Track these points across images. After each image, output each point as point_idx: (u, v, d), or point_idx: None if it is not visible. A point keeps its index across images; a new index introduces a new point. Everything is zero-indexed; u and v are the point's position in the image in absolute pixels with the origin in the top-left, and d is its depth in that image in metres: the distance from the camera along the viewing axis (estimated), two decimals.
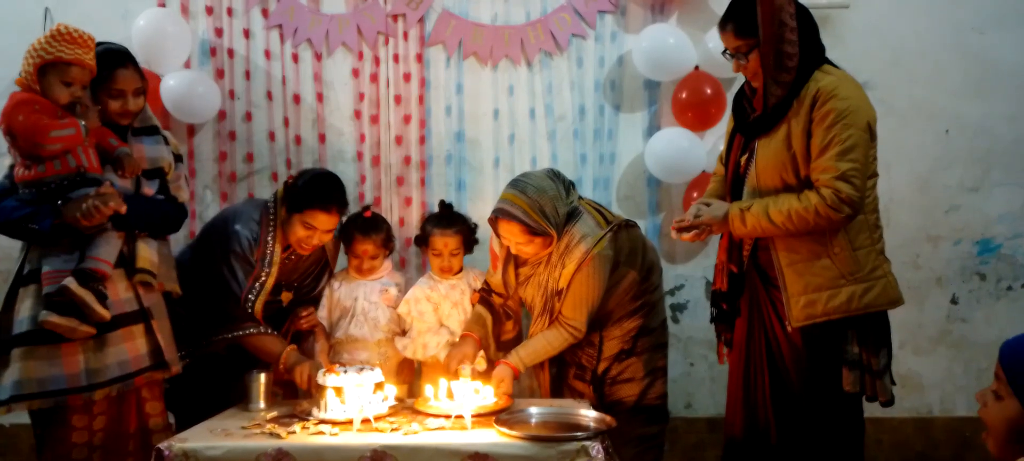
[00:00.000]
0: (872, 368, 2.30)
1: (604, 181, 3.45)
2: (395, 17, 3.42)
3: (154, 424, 2.46)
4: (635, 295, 2.74)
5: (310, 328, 2.87)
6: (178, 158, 2.62)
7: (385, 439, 2.14)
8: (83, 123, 2.30)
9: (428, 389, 2.50)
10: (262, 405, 2.52)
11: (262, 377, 2.54)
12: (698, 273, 3.49)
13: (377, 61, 3.44)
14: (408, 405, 2.50)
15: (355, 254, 2.90)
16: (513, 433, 2.15)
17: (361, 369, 2.44)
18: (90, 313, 2.22)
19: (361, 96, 3.44)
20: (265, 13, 3.42)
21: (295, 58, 3.44)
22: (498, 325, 2.90)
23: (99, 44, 2.37)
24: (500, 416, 2.29)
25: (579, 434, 2.14)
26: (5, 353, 2.28)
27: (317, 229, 2.65)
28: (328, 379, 2.39)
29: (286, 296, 2.82)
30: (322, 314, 2.91)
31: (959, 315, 3.49)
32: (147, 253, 2.42)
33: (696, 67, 3.32)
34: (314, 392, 2.49)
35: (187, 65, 3.38)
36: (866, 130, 2.24)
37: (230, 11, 3.42)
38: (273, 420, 2.34)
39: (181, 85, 3.26)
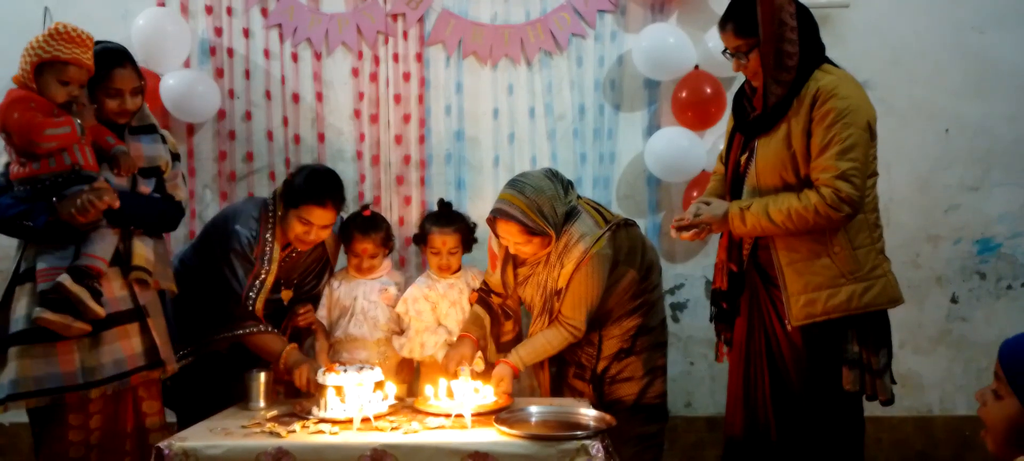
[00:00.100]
0: (872, 367, 2.30)
1: (604, 180, 3.45)
2: (395, 16, 3.42)
3: (151, 423, 2.46)
4: (634, 294, 2.74)
5: (307, 325, 2.87)
6: (176, 157, 2.62)
7: (385, 438, 2.14)
8: (78, 121, 2.29)
9: (428, 388, 2.50)
10: (262, 404, 2.52)
11: (262, 376, 2.54)
12: (698, 272, 3.49)
13: (377, 60, 3.44)
14: (408, 404, 2.50)
15: (354, 253, 2.90)
16: (513, 432, 2.15)
17: (361, 368, 2.44)
18: (85, 310, 2.22)
19: (361, 95, 3.44)
20: (265, 12, 3.42)
21: (294, 57, 3.44)
22: (496, 325, 2.90)
23: (97, 43, 2.36)
24: (500, 415, 2.29)
25: (579, 433, 2.14)
26: (2, 352, 2.28)
27: (314, 224, 2.65)
28: (328, 378, 2.39)
29: (286, 294, 2.83)
30: (322, 313, 2.91)
31: (959, 314, 3.49)
32: (143, 251, 2.42)
33: (696, 66, 3.32)
34: (314, 391, 2.49)
35: (187, 64, 3.38)
36: (866, 129, 2.24)
37: (230, 10, 3.42)
38: (273, 419, 2.34)
39: (181, 84, 3.26)
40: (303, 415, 2.34)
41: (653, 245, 2.96)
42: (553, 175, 2.73)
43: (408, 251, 3.37)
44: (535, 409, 2.39)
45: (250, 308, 2.70)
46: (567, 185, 2.75)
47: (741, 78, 2.50)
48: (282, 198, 2.73)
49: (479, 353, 2.79)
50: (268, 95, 3.44)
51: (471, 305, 2.89)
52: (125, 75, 2.41)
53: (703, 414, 3.51)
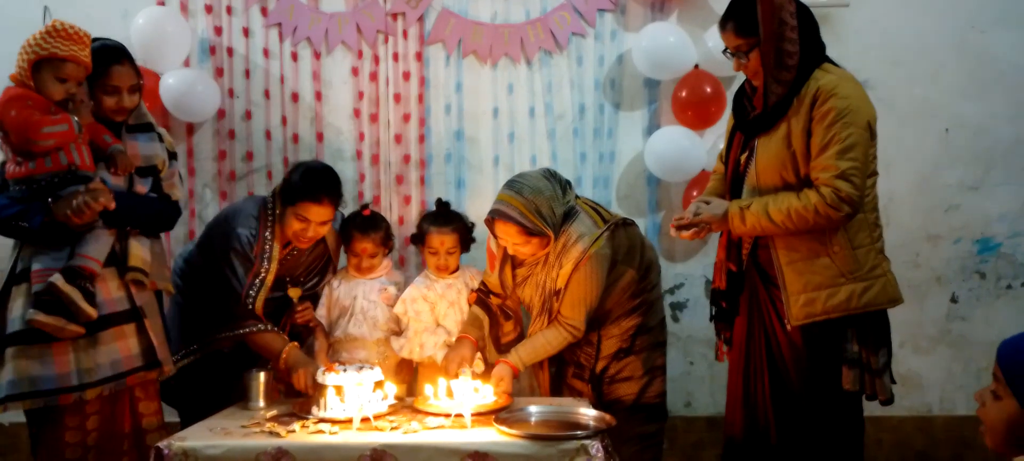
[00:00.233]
0: (872, 367, 2.30)
1: (604, 180, 3.45)
2: (394, 16, 3.42)
3: (148, 423, 2.46)
4: (633, 293, 2.74)
5: (305, 323, 2.87)
6: (172, 155, 2.61)
7: (385, 438, 2.14)
8: (76, 119, 2.28)
9: (428, 388, 2.50)
10: (262, 404, 2.52)
11: (261, 376, 2.54)
12: (698, 271, 3.49)
13: (376, 60, 3.43)
14: (408, 404, 2.49)
15: (354, 253, 2.89)
16: (513, 432, 2.15)
17: (360, 368, 2.44)
18: (76, 311, 2.21)
19: (360, 95, 3.44)
20: (264, 12, 3.42)
21: (294, 57, 3.44)
22: (495, 326, 2.90)
23: (95, 40, 2.35)
24: (500, 415, 2.29)
25: (579, 433, 2.14)
26: None
27: (311, 221, 2.65)
28: (328, 378, 2.38)
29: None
30: (321, 313, 2.90)
31: (959, 314, 3.49)
32: (139, 251, 2.41)
33: (696, 66, 3.32)
34: (314, 391, 2.49)
35: (186, 63, 3.38)
36: (866, 129, 2.24)
37: (229, 9, 3.42)
38: (273, 419, 2.34)
39: (180, 83, 3.25)
40: (303, 415, 2.34)
41: (652, 244, 2.96)
42: (551, 175, 2.73)
43: (408, 251, 3.37)
44: (535, 409, 2.39)
45: (250, 307, 2.70)
46: (565, 185, 2.75)
47: (741, 77, 2.50)
48: (280, 196, 2.73)
49: (478, 354, 2.79)
50: (267, 94, 3.44)
51: (470, 306, 2.89)
52: (123, 73, 2.40)
53: (703, 414, 3.51)
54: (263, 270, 2.72)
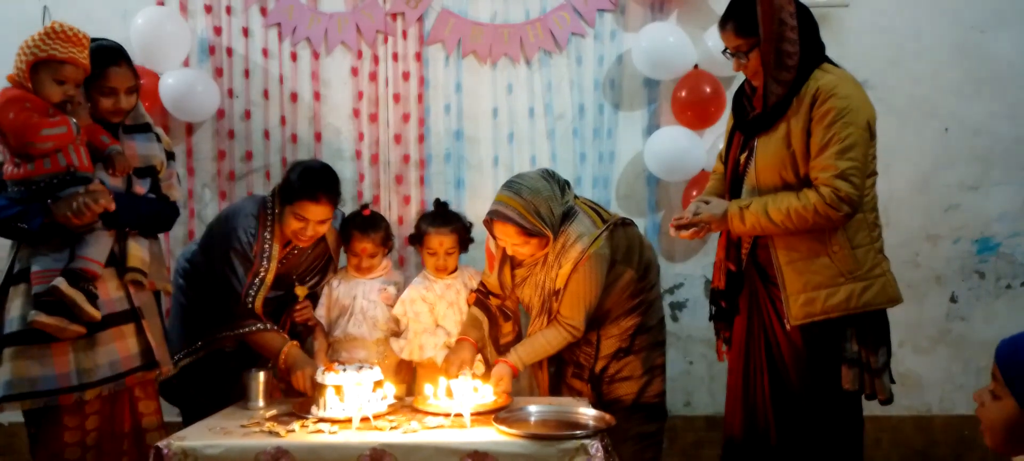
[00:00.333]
0: (871, 366, 2.30)
1: (603, 180, 3.45)
2: (394, 16, 3.42)
3: (148, 423, 2.46)
4: (632, 293, 2.74)
5: (305, 321, 2.87)
6: (170, 156, 2.61)
7: (384, 437, 2.13)
8: (74, 121, 2.27)
9: (427, 387, 2.50)
10: (261, 403, 2.52)
11: (261, 376, 2.54)
12: (697, 271, 3.49)
13: (376, 60, 3.43)
14: (407, 404, 2.49)
15: (354, 252, 2.89)
16: (512, 431, 2.15)
17: (360, 368, 2.44)
18: (80, 313, 2.21)
19: (360, 94, 3.44)
20: (264, 11, 3.42)
21: (293, 57, 3.44)
22: (495, 327, 2.89)
23: (93, 41, 2.34)
24: (499, 414, 2.29)
25: (578, 432, 2.14)
26: None
27: (309, 220, 2.65)
28: (327, 377, 2.38)
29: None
30: (321, 312, 2.90)
31: (958, 314, 3.49)
32: (138, 252, 2.41)
33: (695, 66, 3.32)
34: (313, 391, 2.49)
35: (186, 64, 3.38)
36: (865, 129, 2.24)
37: (229, 9, 3.42)
38: (272, 418, 2.33)
39: (180, 83, 3.25)
40: (302, 414, 2.34)
41: (651, 244, 2.96)
42: (550, 175, 2.73)
43: (407, 251, 3.37)
44: (534, 408, 2.39)
45: (249, 306, 2.70)
46: (564, 185, 2.75)
47: (741, 77, 2.50)
48: (279, 195, 2.74)
49: (479, 356, 2.78)
50: (266, 94, 3.44)
51: (469, 307, 2.89)
52: (120, 74, 2.38)
53: (702, 413, 3.51)
54: (262, 269, 2.72)
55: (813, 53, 2.31)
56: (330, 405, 2.34)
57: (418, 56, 3.44)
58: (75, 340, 2.27)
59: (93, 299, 2.25)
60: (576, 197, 2.79)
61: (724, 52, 2.41)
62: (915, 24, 3.42)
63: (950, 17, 3.42)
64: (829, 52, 2.38)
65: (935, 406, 3.51)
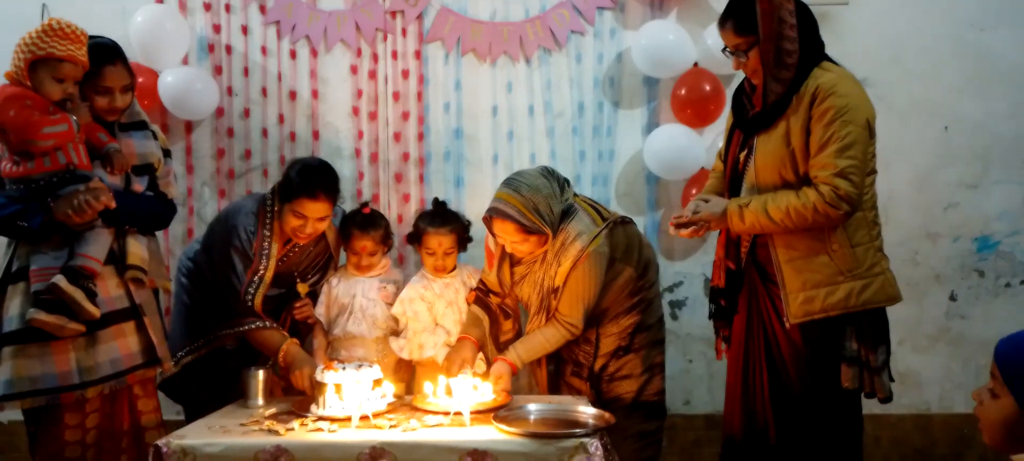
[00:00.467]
0: (871, 365, 2.30)
1: (603, 178, 3.44)
2: (393, 13, 3.42)
3: (147, 421, 2.46)
4: (631, 292, 2.74)
5: (304, 319, 2.87)
6: (167, 153, 2.60)
7: (383, 436, 2.13)
8: (75, 118, 2.27)
9: (427, 385, 2.50)
10: (260, 402, 2.52)
11: (260, 374, 2.54)
12: (697, 270, 3.49)
13: (375, 58, 3.43)
14: (407, 402, 2.49)
15: (353, 251, 2.89)
16: (512, 430, 2.14)
17: (359, 366, 2.44)
18: (79, 311, 2.21)
19: (359, 93, 3.44)
20: (263, 9, 3.42)
21: (293, 55, 3.44)
22: (495, 325, 2.89)
23: (88, 39, 2.33)
24: (499, 413, 2.29)
25: (578, 431, 2.14)
26: None
27: (308, 217, 2.64)
28: (327, 376, 2.38)
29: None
30: (320, 311, 2.90)
31: (958, 312, 3.50)
32: (137, 250, 2.41)
33: (695, 64, 3.32)
34: (312, 389, 2.49)
35: (185, 61, 3.37)
36: (865, 127, 2.24)
37: (228, 7, 3.42)
38: (271, 417, 2.33)
39: (179, 81, 3.25)
40: (301, 413, 2.34)
41: (650, 243, 2.96)
42: (549, 173, 2.73)
43: (407, 249, 3.36)
44: (534, 407, 2.39)
45: (249, 304, 2.70)
46: (563, 183, 2.74)
47: (740, 75, 2.50)
48: (279, 193, 2.74)
49: (480, 355, 2.78)
50: (265, 92, 3.43)
51: (469, 305, 2.89)
52: (116, 73, 2.37)
53: (701, 412, 3.51)
54: (262, 267, 2.72)
55: (812, 51, 2.31)
56: (329, 403, 2.34)
57: (417, 54, 3.43)
58: (75, 338, 2.26)
59: (92, 297, 2.25)
60: (575, 195, 2.79)
61: (724, 50, 2.40)
62: (915, 22, 3.42)
63: (950, 15, 3.42)
64: (829, 50, 2.37)
65: (934, 404, 3.51)
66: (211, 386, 2.74)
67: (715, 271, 2.57)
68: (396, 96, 3.43)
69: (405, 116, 3.44)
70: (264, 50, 3.43)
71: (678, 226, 2.44)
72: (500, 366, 2.62)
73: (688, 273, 3.50)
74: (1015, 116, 3.44)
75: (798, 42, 2.27)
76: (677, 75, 3.33)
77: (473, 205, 3.33)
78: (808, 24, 2.32)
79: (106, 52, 2.37)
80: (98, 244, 2.30)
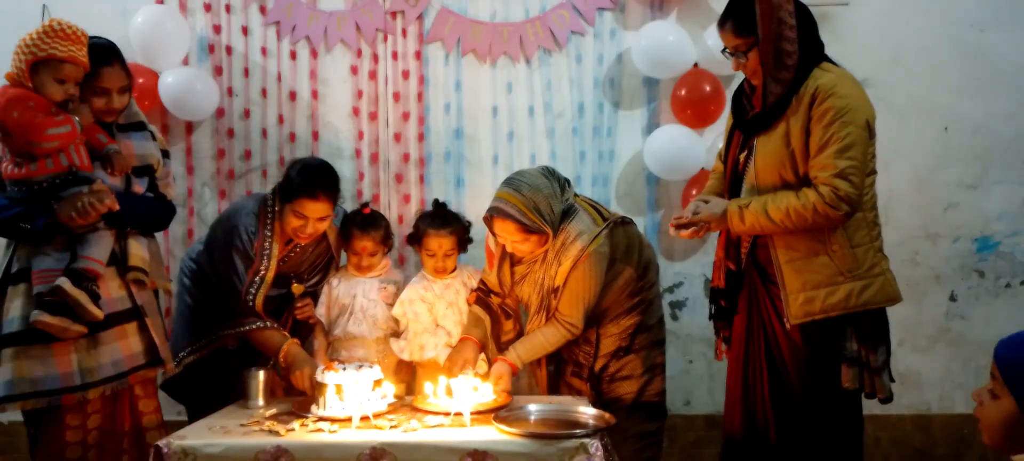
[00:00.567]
0: (871, 365, 2.30)
1: (603, 178, 3.45)
2: (393, 14, 3.42)
3: (148, 421, 2.46)
4: (632, 292, 2.74)
5: (306, 319, 2.87)
6: (165, 154, 2.60)
7: (384, 436, 2.13)
8: (77, 119, 2.27)
9: (427, 385, 2.50)
10: (261, 402, 2.52)
11: (261, 375, 2.54)
12: (697, 270, 3.49)
13: (376, 58, 3.43)
14: (407, 403, 2.49)
15: (354, 251, 2.89)
16: (512, 430, 2.14)
17: (360, 366, 2.44)
18: (83, 313, 2.21)
19: (359, 93, 3.44)
20: (263, 10, 3.42)
21: (293, 55, 3.44)
22: (496, 325, 2.89)
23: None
24: (499, 413, 2.29)
25: (578, 431, 2.14)
26: None
27: (308, 217, 2.64)
28: (327, 376, 2.38)
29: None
30: (321, 311, 2.90)
31: (958, 312, 3.50)
32: (139, 251, 2.41)
33: (695, 64, 3.32)
34: (313, 389, 2.49)
35: (185, 62, 3.38)
36: (865, 128, 2.24)
37: (228, 8, 3.42)
38: (272, 417, 2.33)
39: (179, 82, 3.25)
40: (302, 413, 2.34)
41: (650, 243, 2.96)
42: (550, 173, 2.73)
43: (407, 249, 3.36)
44: (534, 407, 2.39)
45: (250, 304, 2.70)
46: (564, 183, 2.74)
47: (740, 76, 2.50)
48: (279, 193, 2.74)
49: (482, 355, 2.78)
50: (264, 93, 3.44)
51: (470, 306, 2.89)
52: (113, 74, 2.36)
53: (702, 412, 3.51)
54: (263, 267, 2.72)
55: (812, 52, 2.31)
56: (330, 404, 2.34)
57: (418, 54, 3.43)
58: (77, 340, 2.26)
59: (96, 299, 2.25)
60: (576, 195, 2.79)
61: (723, 51, 2.40)
62: (915, 23, 3.42)
63: (950, 16, 3.42)
64: (828, 51, 2.37)
65: (934, 405, 3.52)
66: (213, 386, 2.74)
67: (715, 272, 2.57)
68: (396, 97, 3.43)
69: (405, 117, 3.44)
70: (264, 51, 3.43)
71: (678, 227, 2.44)
72: (500, 366, 2.62)
73: (688, 274, 3.50)
74: (1015, 116, 3.44)
75: (797, 43, 2.27)
76: (677, 76, 3.33)
77: (473, 205, 3.33)
78: (807, 25, 2.32)
79: (103, 53, 2.36)
80: (100, 246, 2.30)
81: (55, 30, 2.22)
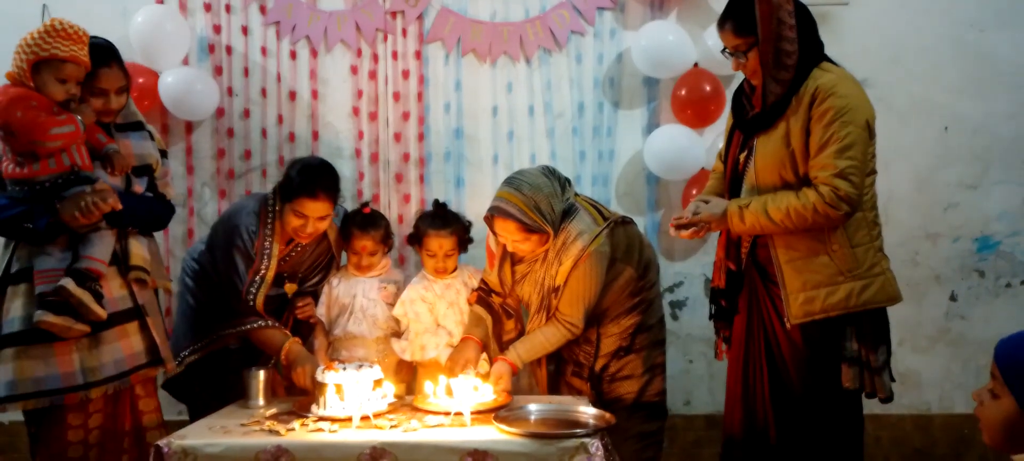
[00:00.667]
0: (871, 365, 2.31)
1: (603, 178, 3.45)
2: (393, 14, 3.42)
3: (148, 421, 2.46)
4: (632, 292, 2.74)
5: (306, 318, 2.87)
6: (163, 153, 2.60)
7: (384, 436, 2.13)
8: (80, 119, 2.27)
9: (427, 385, 2.50)
10: (261, 402, 2.52)
11: (261, 374, 2.54)
12: (697, 270, 3.49)
13: (376, 58, 3.43)
14: (407, 402, 2.49)
15: (354, 251, 2.89)
16: (512, 430, 2.14)
17: (360, 366, 2.44)
18: (86, 313, 2.21)
19: (359, 93, 3.44)
20: (263, 10, 3.42)
21: (293, 55, 3.44)
22: (498, 325, 2.89)
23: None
24: (499, 413, 2.28)
25: (578, 431, 2.14)
26: None
27: (308, 217, 2.65)
28: (327, 376, 2.38)
29: (290, 287, 2.83)
30: (321, 311, 2.90)
31: (958, 312, 3.50)
32: (139, 251, 2.41)
33: (695, 64, 3.32)
34: (313, 389, 2.49)
35: (185, 62, 3.37)
36: (864, 128, 2.24)
37: (228, 8, 3.42)
38: (272, 417, 2.33)
39: (179, 82, 3.25)
40: (302, 413, 2.34)
41: (651, 243, 2.96)
42: (550, 172, 2.73)
43: (407, 249, 3.36)
44: (534, 407, 2.39)
45: (251, 303, 2.70)
46: (564, 182, 2.74)
47: (740, 76, 2.50)
48: (279, 192, 2.74)
49: (483, 355, 2.78)
50: (264, 93, 3.44)
51: (471, 305, 2.88)
52: (111, 75, 2.36)
53: (702, 412, 3.51)
54: (263, 267, 2.72)
55: (812, 52, 2.31)
56: (330, 404, 2.34)
57: (418, 54, 3.43)
58: (79, 339, 2.26)
59: (99, 298, 2.25)
60: (577, 195, 2.79)
61: (723, 51, 2.40)
62: (915, 23, 3.42)
63: (950, 16, 3.42)
64: (828, 51, 2.37)
65: (934, 405, 3.52)
66: (215, 386, 2.74)
67: (715, 272, 2.57)
68: (396, 96, 3.43)
69: (405, 116, 3.44)
70: (264, 51, 3.43)
71: (678, 227, 2.44)
72: (500, 366, 2.62)
73: (688, 274, 3.50)
74: (1015, 116, 3.44)
75: (797, 43, 2.27)
76: (677, 75, 3.33)
77: (473, 205, 3.33)
78: (807, 25, 2.32)
79: (101, 53, 2.35)
80: (102, 246, 2.30)
81: (57, 30, 2.21)
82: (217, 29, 3.41)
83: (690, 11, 3.39)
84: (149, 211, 2.48)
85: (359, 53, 3.44)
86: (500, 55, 3.44)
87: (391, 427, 2.21)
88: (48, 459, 2.33)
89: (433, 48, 3.45)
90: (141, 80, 3.19)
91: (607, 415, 2.31)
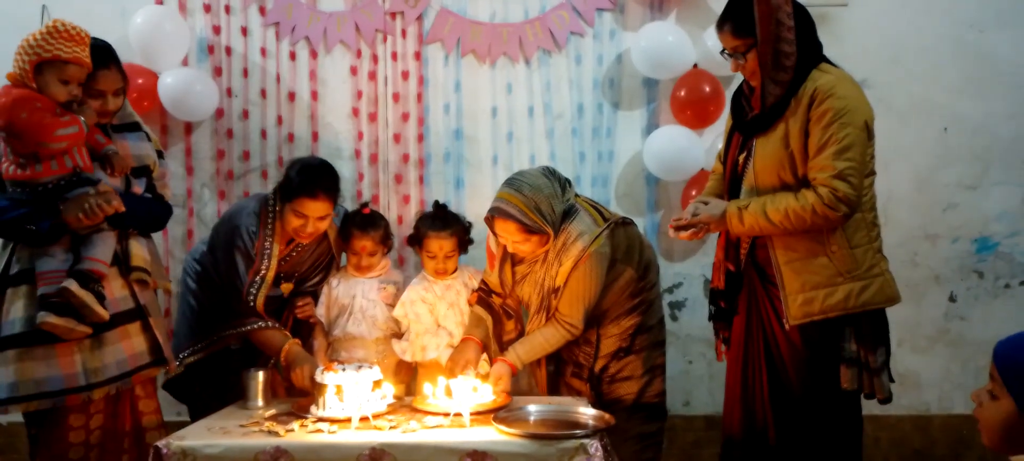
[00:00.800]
0: (870, 366, 2.31)
1: (603, 179, 3.45)
2: (393, 15, 3.42)
3: (148, 422, 2.46)
4: (632, 293, 2.74)
5: (306, 318, 2.87)
6: (160, 154, 2.60)
7: (383, 437, 2.13)
8: (83, 120, 2.27)
9: (427, 386, 2.50)
10: (260, 403, 2.52)
11: (260, 375, 2.54)
12: (696, 271, 3.49)
13: (375, 59, 3.43)
14: (406, 403, 2.49)
15: (353, 251, 2.89)
16: (512, 431, 2.14)
17: (359, 367, 2.44)
18: (89, 314, 2.21)
19: (359, 94, 3.44)
20: (263, 10, 3.42)
21: (292, 56, 3.44)
22: (498, 326, 2.89)
23: None
24: (499, 414, 2.29)
25: (578, 432, 2.14)
26: None
27: (308, 217, 2.65)
28: (327, 377, 2.38)
29: (286, 287, 2.83)
30: (320, 311, 2.90)
31: (957, 313, 3.50)
32: (140, 252, 2.41)
33: (695, 65, 3.32)
34: (313, 390, 2.49)
35: (185, 63, 3.37)
36: (863, 129, 2.24)
37: (228, 9, 3.42)
38: (271, 418, 2.33)
39: (179, 83, 3.25)
40: (301, 414, 2.34)
41: (650, 244, 2.96)
42: (550, 173, 2.73)
43: (407, 250, 3.36)
44: (534, 408, 2.39)
45: (251, 304, 2.70)
46: (565, 183, 2.74)
47: (740, 77, 2.50)
48: (279, 193, 2.74)
49: (484, 355, 2.78)
50: (263, 94, 3.43)
51: (471, 306, 2.89)
52: (108, 76, 2.36)
53: (701, 413, 3.51)
54: (263, 267, 2.72)
55: (811, 53, 2.31)
56: (329, 405, 2.34)
57: (417, 55, 3.44)
58: (80, 340, 2.26)
59: (102, 300, 2.25)
60: (577, 195, 2.79)
61: (722, 53, 2.41)
62: (915, 23, 3.42)
63: (949, 16, 3.42)
64: (827, 52, 2.38)
65: (933, 405, 3.52)
66: (215, 386, 2.75)
67: (715, 273, 2.58)
68: (396, 97, 3.44)
69: (405, 117, 3.44)
70: (264, 51, 3.43)
71: (677, 229, 2.44)
72: (500, 367, 2.62)
73: (688, 274, 3.50)
74: (1015, 117, 3.44)
75: (796, 44, 2.27)
76: (677, 76, 3.33)
77: (473, 206, 3.33)
78: (806, 26, 2.32)
79: (99, 54, 2.34)
80: (104, 247, 2.30)
81: (59, 31, 2.21)
82: (216, 30, 3.41)
83: (689, 12, 3.39)
84: (148, 212, 2.48)
85: (359, 54, 3.44)
86: (500, 56, 3.44)
87: (390, 428, 2.21)
88: (49, 460, 2.33)
89: (433, 49, 3.45)
90: (140, 81, 3.19)
91: (606, 416, 2.31)
